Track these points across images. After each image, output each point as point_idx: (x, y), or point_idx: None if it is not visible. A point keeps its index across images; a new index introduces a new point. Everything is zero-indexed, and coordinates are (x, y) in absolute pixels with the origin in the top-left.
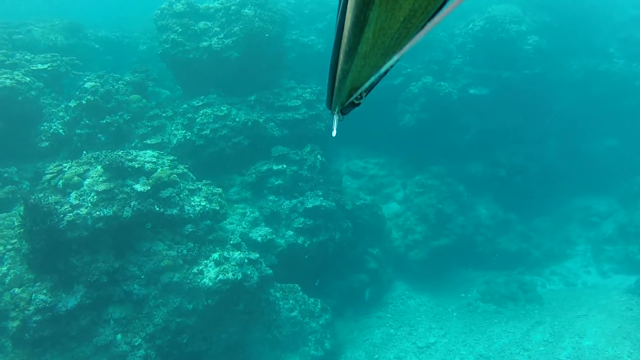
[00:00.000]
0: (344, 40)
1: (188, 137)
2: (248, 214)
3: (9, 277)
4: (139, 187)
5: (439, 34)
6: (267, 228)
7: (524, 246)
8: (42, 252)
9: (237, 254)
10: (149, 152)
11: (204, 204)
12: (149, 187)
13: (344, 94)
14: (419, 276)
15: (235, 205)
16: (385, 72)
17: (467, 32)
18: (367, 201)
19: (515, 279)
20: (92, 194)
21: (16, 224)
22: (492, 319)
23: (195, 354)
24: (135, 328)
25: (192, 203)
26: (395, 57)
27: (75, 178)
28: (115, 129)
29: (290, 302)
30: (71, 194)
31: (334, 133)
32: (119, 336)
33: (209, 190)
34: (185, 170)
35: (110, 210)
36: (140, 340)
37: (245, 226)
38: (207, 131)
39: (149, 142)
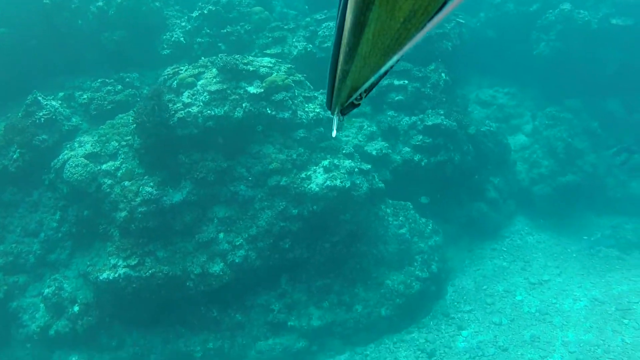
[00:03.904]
0: (344, 41)
1: (309, 49)
2: (365, 127)
3: (121, 171)
4: (252, 89)
5: None
6: (383, 142)
7: None
8: (153, 147)
9: (347, 162)
10: (266, 59)
11: (318, 110)
12: (262, 90)
13: (344, 95)
14: (541, 213)
15: (353, 119)
16: (385, 73)
17: None
18: (493, 128)
19: None
20: (204, 94)
21: (131, 120)
22: (614, 264)
23: (297, 260)
24: (239, 228)
25: (306, 109)
26: (395, 58)
27: (190, 79)
28: (236, 38)
29: (400, 219)
30: (184, 93)
31: (334, 133)
32: (221, 235)
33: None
34: (302, 78)
35: (221, 110)
36: (242, 240)
37: (360, 139)
38: (329, 44)
39: (268, 52)
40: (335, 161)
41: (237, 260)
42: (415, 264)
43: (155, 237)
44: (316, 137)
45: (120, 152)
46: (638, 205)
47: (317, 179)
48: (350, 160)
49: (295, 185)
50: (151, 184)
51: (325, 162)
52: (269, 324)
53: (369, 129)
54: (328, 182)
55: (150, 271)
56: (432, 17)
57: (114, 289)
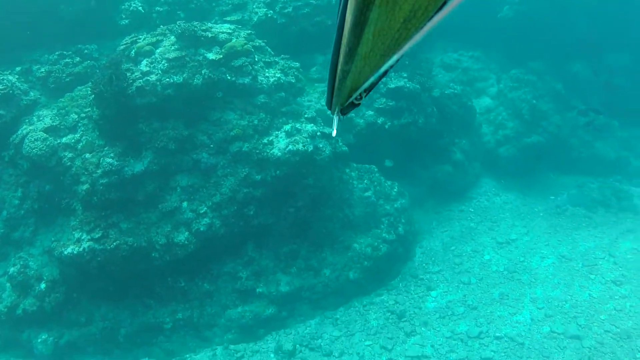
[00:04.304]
0: (344, 41)
1: (270, 15)
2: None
3: (81, 143)
4: (211, 56)
5: None
6: None
7: (623, 154)
8: (112, 118)
9: (310, 127)
10: (226, 25)
11: (279, 75)
12: (221, 56)
13: (344, 95)
14: (507, 174)
15: (316, 85)
16: (385, 73)
17: None
18: (457, 91)
19: (610, 186)
20: (163, 62)
21: (89, 91)
22: (580, 222)
23: (262, 226)
24: (202, 197)
25: (267, 75)
26: (395, 58)
27: (148, 47)
28: (195, 6)
29: (365, 182)
30: (142, 62)
31: (334, 133)
32: (184, 204)
33: (286, 64)
34: (263, 44)
35: (180, 77)
36: (205, 208)
37: (323, 103)
38: (289, 9)
39: (228, 18)
40: (298, 125)
41: (201, 229)
42: (382, 226)
43: (118, 209)
44: (277, 102)
45: (80, 124)
46: (602, 165)
47: (280, 143)
48: (312, 125)
49: (257, 151)
50: (112, 154)
51: (287, 127)
52: (237, 292)
53: None
54: (290, 147)
55: (114, 243)
56: (432, 17)
57: (79, 263)
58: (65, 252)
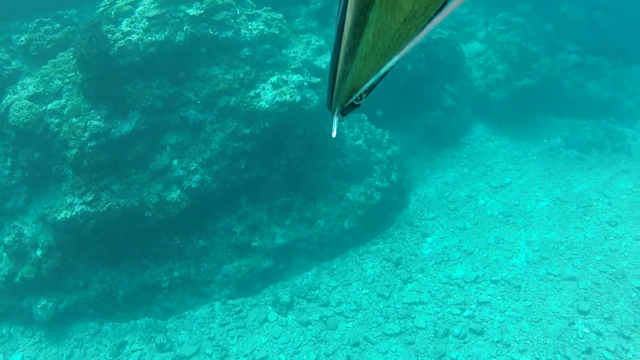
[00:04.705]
0: (344, 41)
1: None
2: (313, 42)
3: (67, 108)
4: (191, 11)
5: None
6: None
7: (616, 94)
8: (96, 80)
9: (296, 77)
10: None
11: (262, 27)
12: (202, 11)
13: (344, 95)
14: (499, 118)
15: (301, 36)
16: (385, 73)
17: None
18: (445, 36)
19: (604, 127)
20: (143, 21)
21: (71, 56)
22: (574, 164)
23: (254, 180)
24: (192, 154)
25: (250, 27)
26: (395, 58)
27: (127, 7)
28: None
29: (356, 131)
30: (123, 22)
31: (334, 134)
32: (175, 162)
33: (268, 15)
34: None
35: (162, 35)
36: (196, 165)
37: (309, 54)
38: None
39: None
40: (284, 77)
41: (193, 186)
42: (375, 174)
43: (109, 171)
44: (262, 54)
45: (64, 89)
46: (595, 106)
47: (267, 95)
48: (299, 75)
49: (244, 105)
50: (98, 117)
51: (274, 79)
52: (232, 247)
53: (317, 43)
54: (277, 98)
55: (107, 205)
56: (432, 18)
57: (73, 227)
58: (59, 218)
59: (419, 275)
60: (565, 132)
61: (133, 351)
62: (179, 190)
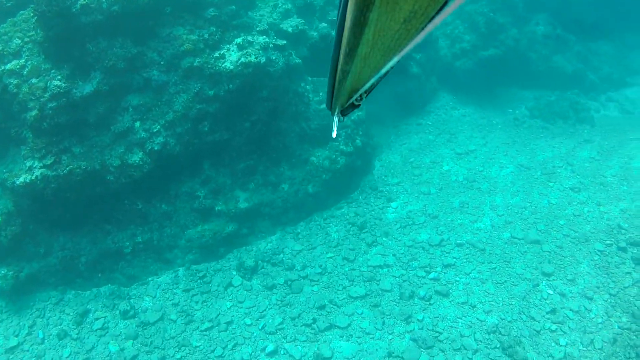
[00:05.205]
0: (344, 41)
1: None
2: (280, 5)
3: (27, 69)
4: None
5: None
6: (299, 19)
7: (580, 67)
8: (57, 39)
9: (262, 39)
10: None
11: None
12: None
13: (344, 95)
14: (465, 88)
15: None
16: (385, 74)
17: None
18: None
19: (568, 99)
20: None
21: (32, 13)
22: (538, 133)
23: (218, 143)
24: (155, 115)
25: None
26: (395, 59)
27: None
28: None
29: (321, 94)
30: None
31: (334, 134)
32: (137, 123)
33: None
34: None
35: None
36: (159, 127)
37: (275, 17)
38: None
39: None
40: (249, 38)
41: (156, 148)
42: (339, 138)
43: (70, 133)
44: (228, 15)
45: (24, 49)
46: (560, 78)
47: (231, 56)
48: (264, 37)
49: (209, 66)
50: (59, 77)
51: (239, 40)
52: (196, 211)
53: (283, 6)
54: (242, 59)
55: (67, 168)
56: (432, 18)
57: (33, 192)
58: (18, 182)
59: (384, 238)
60: (530, 103)
61: (96, 319)
62: (141, 153)
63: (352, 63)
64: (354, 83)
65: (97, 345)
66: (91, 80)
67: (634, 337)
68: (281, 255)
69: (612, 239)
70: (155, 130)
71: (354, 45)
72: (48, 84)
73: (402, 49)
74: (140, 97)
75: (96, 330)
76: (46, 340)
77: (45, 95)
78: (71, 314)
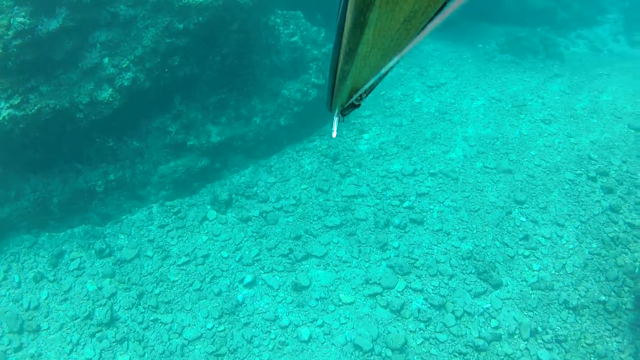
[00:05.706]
0: (344, 41)
1: None
2: None
3: None
4: None
5: None
6: None
7: (551, 4)
8: None
9: None
10: None
11: None
12: None
13: (344, 95)
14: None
15: None
16: (385, 74)
17: None
18: None
19: (538, 34)
20: None
21: None
22: (509, 67)
23: (188, 77)
24: (123, 51)
25: None
26: (395, 59)
27: None
28: None
29: (291, 27)
30: None
31: (334, 134)
32: (106, 59)
33: None
34: None
35: None
36: (128, 62)
37: None
38: None
39: None
40: None
41: (125, 84)
42: (310, 71)
43: (36, 71)
44: None
45: None
46: (530, 15)
47: None
48: None
49: None
50: (23, 13)
51: None
52: (167, 147)
53: None
54: None
55: (35, 107)
56: (432, 18)
57: (1, 133)
58: None
59: (357, 169)
60: (501, 39)
61: (72, 259)
62: (110, 89)
63: (352, 63)
64: (354, 83)
65: (74, 286)
66: (57, 16)
67: (604, 262)
68: (255, 188)
69: (582, 169)
70: (124, 65)
71: (354, 45)
72: (11, 21)
73: (402, 49)
74: (108, 32)
75: (72, 270)
76: (22, 284)
77: (9, 33)
78: (46, 256)
